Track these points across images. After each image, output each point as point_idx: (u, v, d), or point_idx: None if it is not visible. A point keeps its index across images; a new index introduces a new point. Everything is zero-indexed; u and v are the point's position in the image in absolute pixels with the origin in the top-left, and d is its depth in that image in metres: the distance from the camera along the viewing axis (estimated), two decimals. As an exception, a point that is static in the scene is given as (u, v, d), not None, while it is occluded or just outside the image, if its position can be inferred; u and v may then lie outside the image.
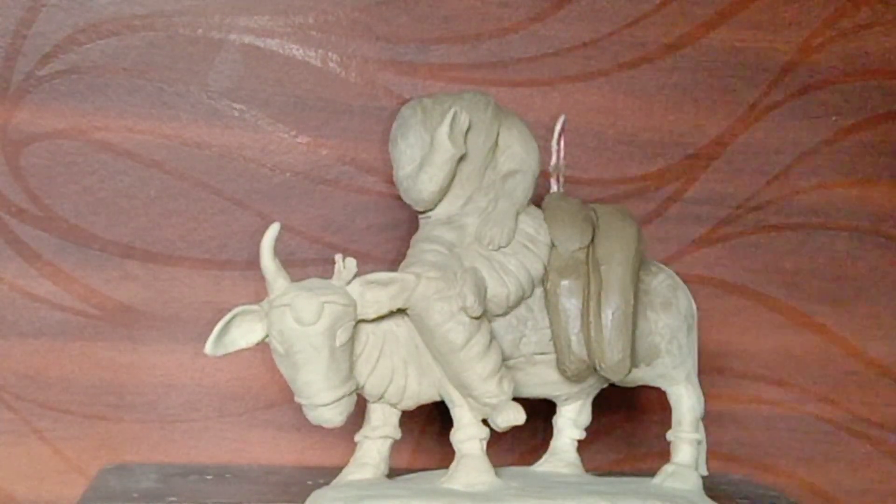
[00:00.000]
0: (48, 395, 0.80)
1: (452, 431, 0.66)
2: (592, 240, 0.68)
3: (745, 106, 0.88)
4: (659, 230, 0.87)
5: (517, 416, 0.64)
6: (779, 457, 0.91)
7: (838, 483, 0.92)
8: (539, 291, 0.67)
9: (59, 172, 0.80)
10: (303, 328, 0.60)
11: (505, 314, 0.67)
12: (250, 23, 0.81)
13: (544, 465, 0.72)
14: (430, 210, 0.69)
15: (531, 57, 0.85)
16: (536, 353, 0.67)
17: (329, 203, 0.83)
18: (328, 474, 0.69)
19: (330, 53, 0.83)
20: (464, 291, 0.63)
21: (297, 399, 0.62)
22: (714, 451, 0.79)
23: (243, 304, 0.62)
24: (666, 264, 0.74)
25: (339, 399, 0.62)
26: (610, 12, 0.86)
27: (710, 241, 0.89)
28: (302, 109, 0.82)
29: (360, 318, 0.63)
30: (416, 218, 0.70)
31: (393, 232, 0.83)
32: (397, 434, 0.68)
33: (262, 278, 0.62)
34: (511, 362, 0.67)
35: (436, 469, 0.69)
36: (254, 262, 0.65)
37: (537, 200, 0.70)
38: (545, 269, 0.67)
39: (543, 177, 0.71)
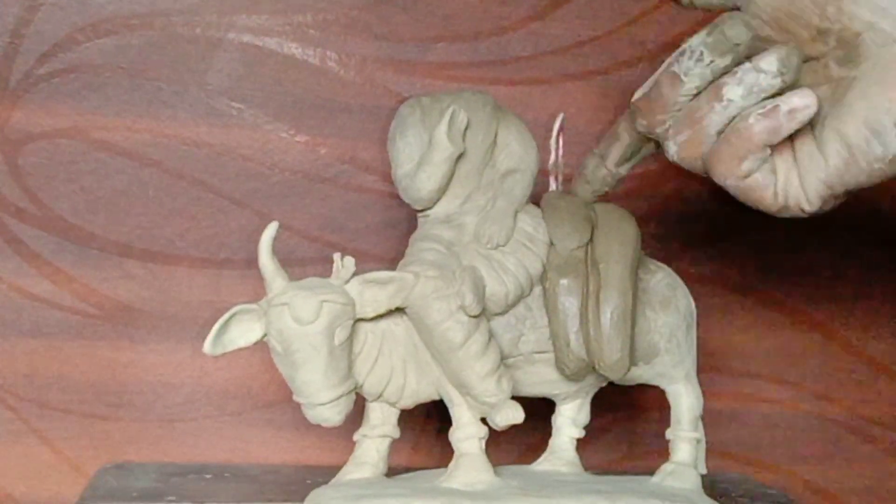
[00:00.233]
0: (47, 395, 0.80)
1: (451, 430, 0.66)
2: (591, 238, 0.68)
3: (744, 104, 0.88)
4: (658, 229, 0.87)
5: (516, 414, 0.64)
6: (778, 455, 0.91)
7: (838, 481, 0.92)
8: (538, 290, 0.67)
9: (57, 172, 0.79)
10: (301, 327, 0.60)
11: (504, 313, 0.66)
12: (249, 22, 0.81)
13: (543, 463, 0.72)
14: (429, 209, 0.69)
15: (530, 55, 0.85)
16: (535, 352, 0.67)
17: (328, 202, 0.83)
18: (327, 473, 0.68)
19: (329, 52, 0.82)
20: (462, 290, 0.63)
21: (295, 398, 0.62)
22: (713, 450, 0.79)
23: (242, 303, 0.62)
24: (665, 263, 0.74)
25: (337, 398, 0.62)
26: (609, 11, 0.86)
27: (709, 239, 0.89)
28: (301, 108, 0.82)
29: (358, 316, 0.62)
30: (415, 216, 0.70)
31: (391, 230, 0.83)
32: (396, 433, 0.67)
33: (261, 277, 0.62)
34: (510, 361, 0.66)
35: (435, 468, 0.69)
36: (252, 261, 0.65)
37: (536, 199, 0.70)
38: (544, 267, 0.67)
39: (542, 175, 0.71)
